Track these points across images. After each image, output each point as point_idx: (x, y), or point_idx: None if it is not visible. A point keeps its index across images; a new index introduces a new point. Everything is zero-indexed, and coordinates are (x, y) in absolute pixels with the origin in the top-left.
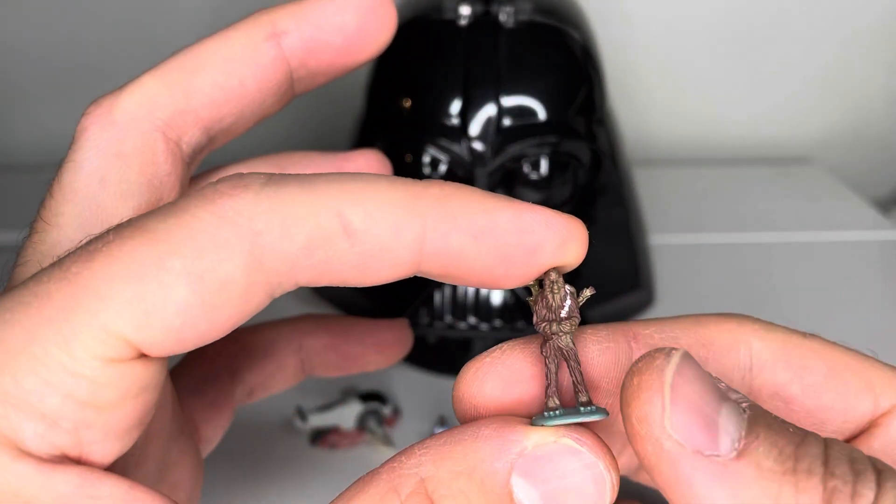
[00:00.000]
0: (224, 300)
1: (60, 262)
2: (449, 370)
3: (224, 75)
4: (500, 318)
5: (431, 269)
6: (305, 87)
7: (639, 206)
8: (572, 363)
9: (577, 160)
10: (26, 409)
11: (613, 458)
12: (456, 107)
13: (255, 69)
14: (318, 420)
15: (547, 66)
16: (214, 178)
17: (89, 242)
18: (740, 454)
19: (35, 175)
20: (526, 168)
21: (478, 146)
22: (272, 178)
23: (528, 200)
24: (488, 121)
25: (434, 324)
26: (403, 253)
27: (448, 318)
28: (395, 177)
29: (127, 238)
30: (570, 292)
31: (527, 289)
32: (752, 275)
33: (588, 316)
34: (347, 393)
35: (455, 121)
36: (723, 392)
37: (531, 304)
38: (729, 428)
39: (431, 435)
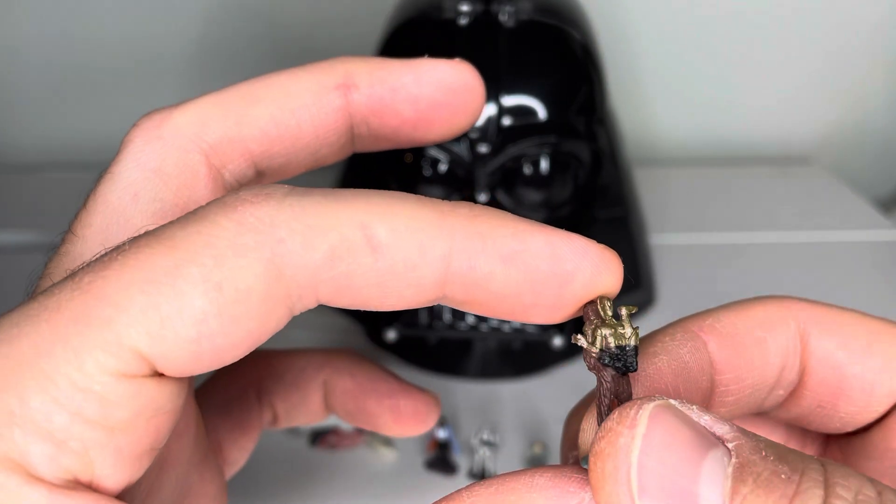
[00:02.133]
0: (243, 311)
1: (73, 274)
2: (449, 370)
3: (281, 111)
4: (499, 319)
5: (456, 293)
6: (366, 146)
7: (639, 205)
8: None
9: (577, 160)
10: (34, 430)
11: None
12: None
13: (315, 113)
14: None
15: (547, 66)
16: None
17: (105, 253)
18: None
19: (35, 175)
20: (526, 168)
21: (478, 146)
22: (295, 189)
23: (528, 200)
24: (488, 120)
25: (434, 324)
26: (428, 273)
27: (448, 318)
28: (423, 196)
29: (143, 246)
30: (626, 315)
31: (576, 333)
32: (752, 275)
33: None
34: None
35: None
36: (705, 440)
37: (583, 341)
38: (711, 497)
39: (480, 481)
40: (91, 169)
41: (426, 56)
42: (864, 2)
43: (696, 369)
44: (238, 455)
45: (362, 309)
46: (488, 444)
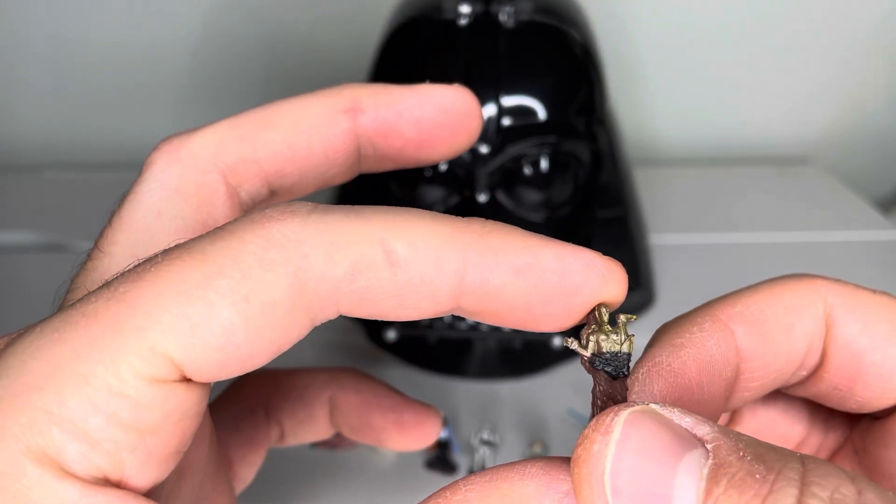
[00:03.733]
0: (268, 322)
1: (108, 283)
2: (449, 370)
3: (294, 134)
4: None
5: (469, 305)
6: (372, 166)
7: (639, 205)
8: (619, 400)
9: (577, 160)
10: (70, 430)
11: None
12: None
13: (325, 136)
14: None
15: (547, 66)
16: None
17: (138, 264)
18: None
19: (35, 175)
20: (526, 168)
21: (478, 146)
22: (318, 206)
23: (528, 201)
24: (488, 121)
25: (434, 324)
26: (444, 285)
27: (448, 318)
28: (438, 213)
29: (175, 258)
30: (622, 323)
31: (569, 336)
32: (752, 275)
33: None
34: None
35: None
36: (684, 442)
37: (579, 346)
38: (686, 497)
39: (476, 472)
40: (91, 169)
41: (426, 57)
42: (864, 3)
43: (721, 360)
44: (246, 471)
45: (380, 319)
46: (488, 443)
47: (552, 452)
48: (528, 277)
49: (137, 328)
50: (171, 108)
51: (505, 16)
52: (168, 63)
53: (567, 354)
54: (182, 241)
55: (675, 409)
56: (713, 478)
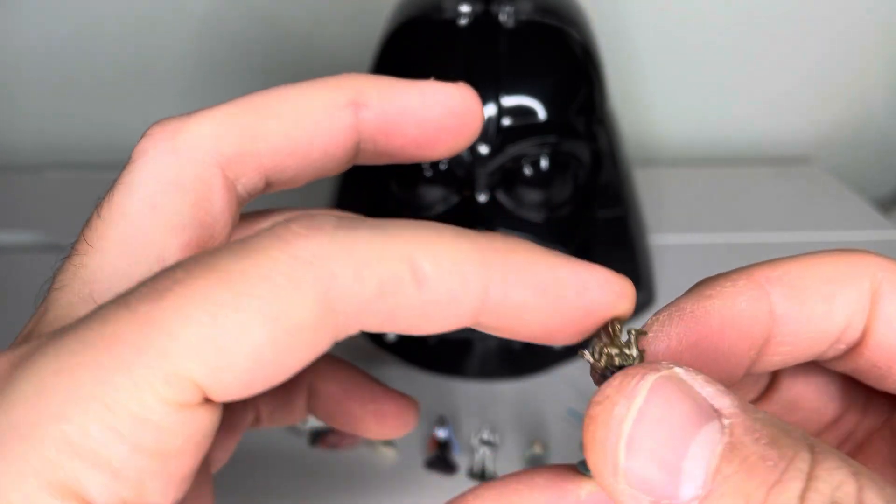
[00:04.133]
0: (295, 343)
1: (126, 301)
2: (449, 370)
3: (295, 128)
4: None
5: (490, 321)
6: (369, 160)
7: (639, 205)
8: None
9: (577, 160)
10: (93, 460)
11: None
12: None
13: (326, 130)
14: (318, 420)
15: (547, 66)
16: (262, 222)
17: (155, 279)
18: (702, 502)
19: (35, 175)
20: (526, 168)
21: (478, 146)
22: (343, 221)
23: (528, 200)
24: (488, 121)
25: None
26: (468, 302)
27: None
28: (460, 228)
29: (199, 277)
30: (633, 334)
31: (580, 348)
32: None
33: None
34: None
35: None
36: (702, 413)
37: (588, 356)
38: (695, 472)
39: (483, 483)
40: (92, 169)
41: (426, 57)
42: (864, 3)
43: (749, 318)
44: (222, 455)
45: (400, 333)
46: (488, 443)
47: (552, 452)
48: (548, 295)
49: (163, 352)
50: (172, 108)
51: (505, 16)
52: (169, 62)
53: (567, 355)
54: (179, 242)
55: (699, 376)
56: (726, 456)
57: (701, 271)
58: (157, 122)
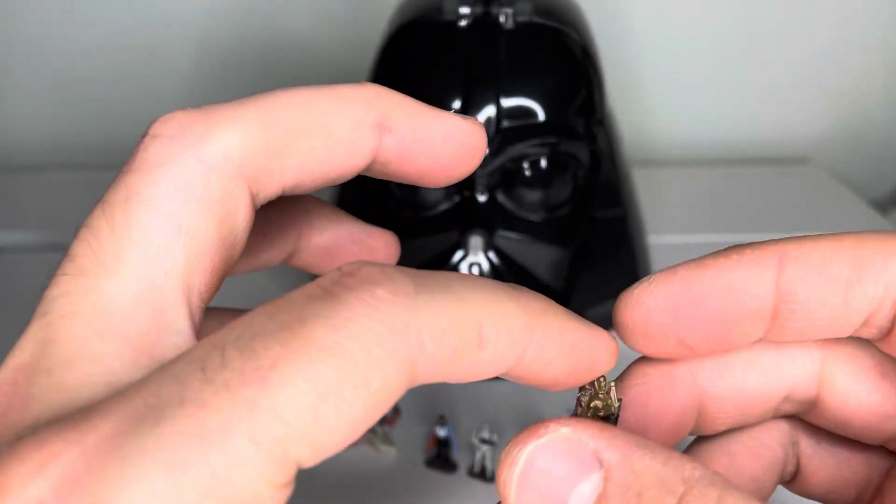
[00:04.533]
0: (382, 409)
1: (224, 381)
2: None
3: (322, 148)
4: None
5: (518, 372)
6: (370, 173)
7: (638, 206)
8: None
9: (576, 160)
10: None
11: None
12: (456, 107)
13: (348, 150)
14: None
15: (546, 67)
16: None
17: (243, 351)
18: None
19: (35, 175)
20: (526, 168)
21: None
22: (418, 283)
23: (528, 201)
24: (488, 121)
25: None
26: (511, 360)
27: None
28: (508, 286)
29: (299, 353)
30: (614, 388)
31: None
32: None
33: (587, 316)
34: None
35: None
36: (583, 468)
37: (581, 410)
38: None
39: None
40: (92, 169)
41: (426, 58)
42: (863, 4)
43: (746, 290)
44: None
45: (447, 382)
46: (488, 442)
47: None
48: (568, 355)
49: (277, 440)
50: (172, 108)
51: (504, 17)
52: (169, 64)
53: None
54: (204, 267)
55: (586, 433)
56: (603, 500)
57: None
58: (166, 119)
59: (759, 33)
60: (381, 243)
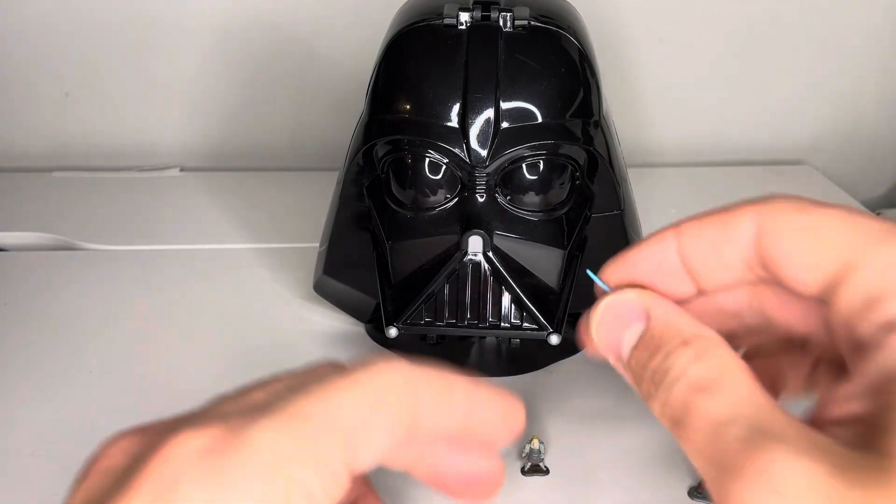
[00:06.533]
0: (397, 443)
1: (304, 385)
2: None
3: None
4: (497, 315)
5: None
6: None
7: (634, 207)
8: None
9: (574, 162)
10: (306, 498)
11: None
12: (456, 110)
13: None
14: None
15: (545, 70)
16: None
17: (308, 388)
18: (627, 361)
19: (42, 176)
20: (524, 170)
21: (477, 148)
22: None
23: (526, 201)
24: (487, 123)
25: (434, 322)
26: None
27: (448, 316)
28: (488, 388)
29: (350, 405)
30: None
31: None
32: None
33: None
34: None
35: (455, 124)
36: (633, 314)
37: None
38: (626, 344)
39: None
40: (93, 171)
41: (426, 61)
42: (858, 8)
43: (661, 259)
44: None
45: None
46: None
47: (551, 448)
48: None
49: (344, 429)
50: (176, 110)
51: (504, 20)
52: (174, 67)
53: (563, 353)
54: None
55: (632, 292)
56: (642, 339)
57: None
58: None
59: (754, 37)
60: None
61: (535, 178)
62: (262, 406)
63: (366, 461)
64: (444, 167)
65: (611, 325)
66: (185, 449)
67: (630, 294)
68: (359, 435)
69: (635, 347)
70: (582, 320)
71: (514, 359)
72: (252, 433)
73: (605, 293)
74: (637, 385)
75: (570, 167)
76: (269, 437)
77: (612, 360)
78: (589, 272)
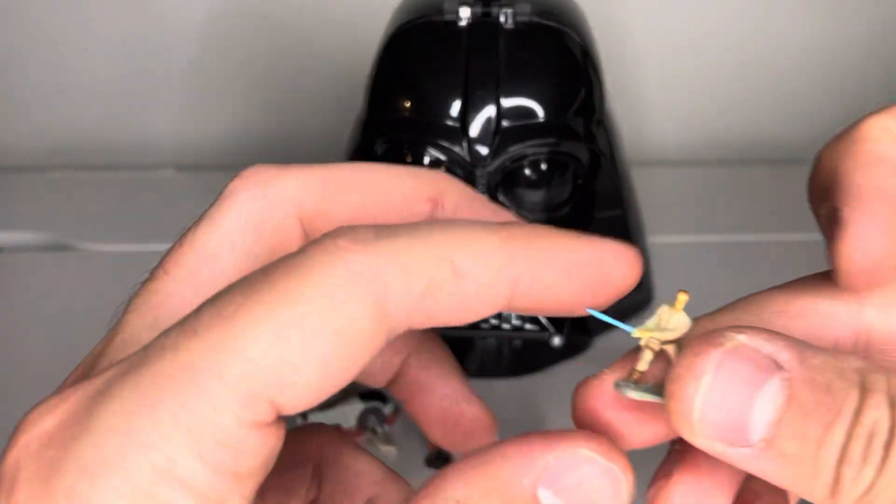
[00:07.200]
0: (355, 350)
1: (193, 328)
2: None
3: (374, 206)
4: (498, 317)
5: (522, 303)
6: None
7: (637, 206)
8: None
9: (576, 161)
10: (179, 486)
11: (628, 462)
12: (456, 108)
13: (400, 217)
14: (318, 418)
15: (546, 68)
16: None
17: (215, 304)
18: (767, 444)
19: (35, 175)
20: (525, 169)
21: (478, 147)
22: (380, 231)
23: (527, 201)
24: (488, 122)
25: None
26: (502, 291)
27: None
28: (486, 222)
29: (260, 300)
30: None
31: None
32: (752, 275)
33: (587, 319)
34: (348, 391)
35: (455, 122)
36: (765, 370)
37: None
38: (761, 417)
39: (462, 458)
40: (95, 169)
41: (426, 58)
42: (860, 6)
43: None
44: None
45: (441, 326)
46: None
47: None
48: (570, 274)
49: (238, 376)
50: (174, 109)
51: (504, 17)
52: (170, 64)
53: (566, 354)
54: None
55: (759, 337)
56: (786, 407)
57: (698, 271)
58: (252, 168)
59: (757, 35)
60: (469, 417)
61: (537, 177)
62: (143, 353)
63: (302, 398)
64: (444, 166)
65: (729, 392)
66: (28, 436)
67: (751, 341)
68: (270, 378)
69: (778, 419)
70: (583, 392)
71: (515, 360)
72: (104, 409)
73: (635, 352)
74: (798, 475)
75: (572, 166)
76: (126, 410)
77: (717, 449)
78: (590, 310)
